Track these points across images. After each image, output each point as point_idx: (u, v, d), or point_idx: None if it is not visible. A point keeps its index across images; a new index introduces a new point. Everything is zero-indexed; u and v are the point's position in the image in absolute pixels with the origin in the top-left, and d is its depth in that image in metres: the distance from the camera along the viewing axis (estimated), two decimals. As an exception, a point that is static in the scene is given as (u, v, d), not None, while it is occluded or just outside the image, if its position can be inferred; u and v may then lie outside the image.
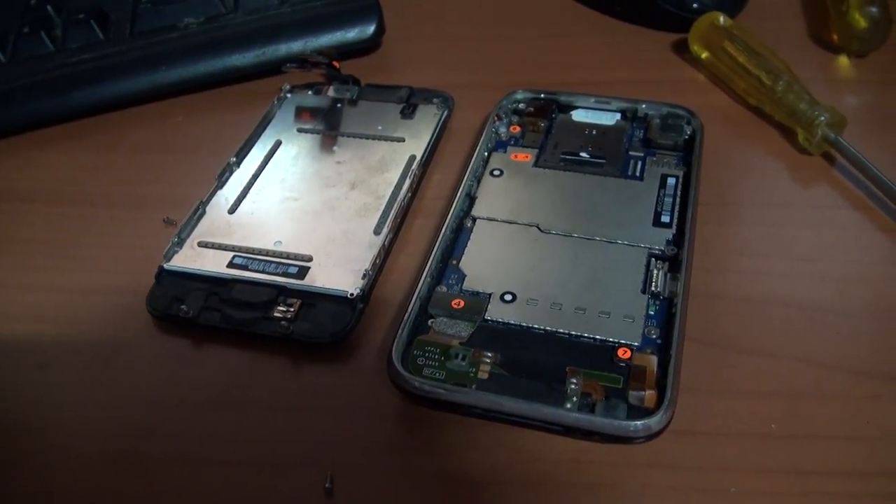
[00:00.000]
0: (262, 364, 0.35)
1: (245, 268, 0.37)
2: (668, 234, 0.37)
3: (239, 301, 0.36)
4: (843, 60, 0.49)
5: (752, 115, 0.46)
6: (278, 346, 0.35)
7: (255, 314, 0.35)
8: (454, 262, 0.37)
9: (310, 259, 0.37)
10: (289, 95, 0.47)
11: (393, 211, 0.39)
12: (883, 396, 0.32)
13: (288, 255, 0.37)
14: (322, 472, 0.31)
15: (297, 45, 0.49)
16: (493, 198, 0.40)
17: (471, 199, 0.40)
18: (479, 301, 0.35)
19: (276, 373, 0.35)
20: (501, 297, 0.35)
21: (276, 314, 0.35)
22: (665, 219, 0.38)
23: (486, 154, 0.42)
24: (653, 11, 0.52)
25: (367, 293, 0.36)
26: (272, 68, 0.49)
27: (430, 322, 0.34)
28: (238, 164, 0.43)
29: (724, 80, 0.47)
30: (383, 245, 0.37)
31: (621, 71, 0.50)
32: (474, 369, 0.32)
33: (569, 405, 0.31)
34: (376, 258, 0.37)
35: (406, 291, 0.37)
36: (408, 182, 0.40)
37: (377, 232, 0.38)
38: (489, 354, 0.33)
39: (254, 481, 0.31)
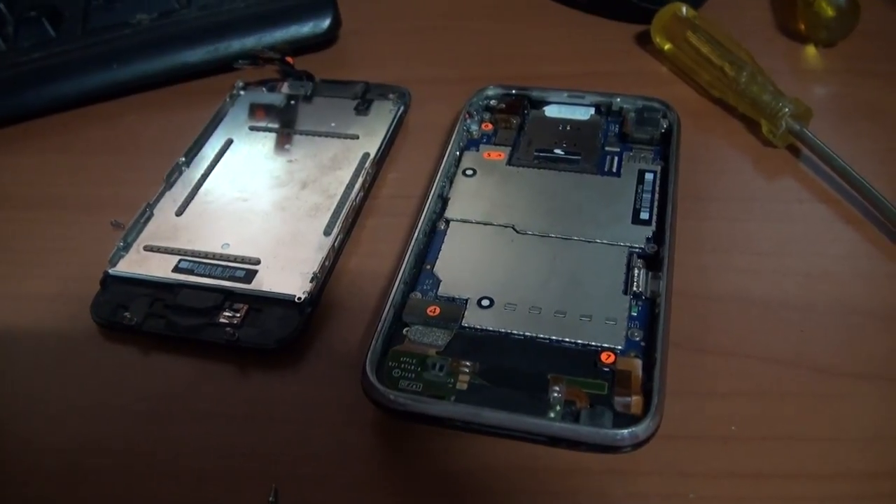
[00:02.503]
0: (208, 372, 0.34)
1: (191, 272, 0.36)
2: (648, 231, 0.36)
3: (184, 307, 0.34)
4: (810, 50, 0.48)
5: (715, 107, 0.45)
6: (225, 353, 0.34)
7: (200, 320, 0.34)
8: (428, 266, 0.35)
9: (257, 262, 0.36)
10: (242, 93, 0.46)
11: (344, 211, 0.38)
12: (848, 395, 0.31)
13: (235, 259, 0.36)
14: (268, 484, 0.30)
15: (250, 41, 0.48)
16: (467, 198, 0.38)
17: (443, 200, 0.38)
18: (455, 307, 0.33)
19: (222, 381, 0.33)
20: (478, 303, 0.33)
21: (222, 320, 0.34)
22: (644, 216, 0.37)
23: (457, 153, 0.41)
24: (614, 2, 0.51)
25: (315, 297, 0.35)
26: (226, 65, 0.48)
27: (404, 331, 0.33)
28: (188, 164, 0.41)
29: (688, 71, 0.46)
30: (333, 246, 0.36)
31: (583, 63, 0.48)
32: (453, 380, 0.31)
33: (552, 414, 0.29)
34: (325, 260, 0.35)
35: (360, 294, 0.36)
36: (360, 181, 0.39)
37: (327, 233, 0.37)
38: (468, 363, 0.31)
39: (197, 494, 0.30)
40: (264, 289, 0.35)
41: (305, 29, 0.49)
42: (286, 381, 0.33)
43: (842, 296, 0.35)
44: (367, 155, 0.41)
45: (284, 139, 0.43)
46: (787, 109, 0.40)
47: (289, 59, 0.46)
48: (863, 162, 0.39)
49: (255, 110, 0.45)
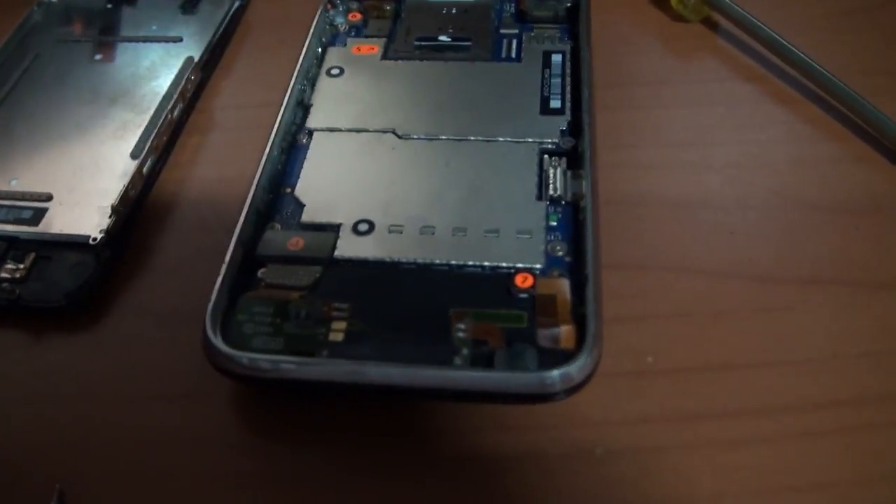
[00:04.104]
0: (-9, 341, 0.26)
1: (-31, 217, 0.28)
2: (562, 122, 0.30)
3: (-43, 262, 0.27)
4: None
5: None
6: (7, 315, 0.27)
7: (-25, 276, 0.27)
8: (287, 190, 0.29)
9: (49, 199, 0.28)
10: (53, -1, 0.38)
11: (157, 127, 0.30)
12: (794, 307, 0.25)
13: (23, 196, 0.29)
14: (52, 482, 0.23)
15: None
16: (334, 103, 0.32)
17: (304, 107, 0.32)
18: (324, 237, 0.27)
19: (7, 352, 0.26)
20: (354, 228, 0.27)
21: (4, 274, 0.27)
22: (555, 104, 0.31)
23: (318, 50, 0.34)
24: None
25: (116, 236, 0.27)
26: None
27: (259, 272, 0.26)
28: (-18, 86, 0.34)
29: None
30: (140, 172, 0.29)
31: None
32: (324, 329, 0.24)
33: (458, 361, 0.23)
34: (129, 189, 0.28)
35: (190, 230, 0.29)
36: (179, 89, 0.32)
37: (135, 155, 0.29)
38: (343, 306, 0.24)
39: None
40: (54, 231, 0.27)
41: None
42: (82, 348, 0.26)
43: (778, 187, 0.29)
44: (190, 59, 0.33)
45: (98, 49, 0.35)
46: (699, -27, 0.34)
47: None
48: (792, 31, 0.33)
49: (68, 18, 0.37)
